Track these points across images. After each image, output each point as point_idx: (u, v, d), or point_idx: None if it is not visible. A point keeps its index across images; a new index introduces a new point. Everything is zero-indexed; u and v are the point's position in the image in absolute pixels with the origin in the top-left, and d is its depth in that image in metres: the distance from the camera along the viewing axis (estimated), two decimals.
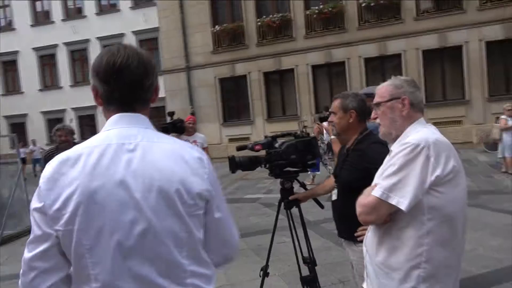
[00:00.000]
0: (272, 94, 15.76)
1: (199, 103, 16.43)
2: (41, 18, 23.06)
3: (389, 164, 1.49)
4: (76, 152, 1.07)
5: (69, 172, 1.03)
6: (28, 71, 23.16)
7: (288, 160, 2.70)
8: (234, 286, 3.88)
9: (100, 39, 21.73)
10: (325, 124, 3.89)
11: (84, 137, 22.03)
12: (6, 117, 23.43)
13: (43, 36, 22.48)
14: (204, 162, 1.13)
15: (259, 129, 15.23)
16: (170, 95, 16.82)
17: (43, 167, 1.21)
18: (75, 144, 1.58)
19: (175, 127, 5.04)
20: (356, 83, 14.18)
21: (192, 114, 14.15)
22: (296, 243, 2.79)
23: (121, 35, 21.38)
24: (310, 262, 2.83)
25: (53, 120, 22.90)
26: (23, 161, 12.78)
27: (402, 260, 1.48)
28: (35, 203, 1.06)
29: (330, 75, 15.08)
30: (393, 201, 1.42)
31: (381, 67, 14.40)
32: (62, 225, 1.02)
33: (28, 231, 1.35)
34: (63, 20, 22.43)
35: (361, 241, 2.17)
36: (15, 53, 23.32)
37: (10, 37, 23.15)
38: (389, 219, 1.50)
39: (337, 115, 2.28)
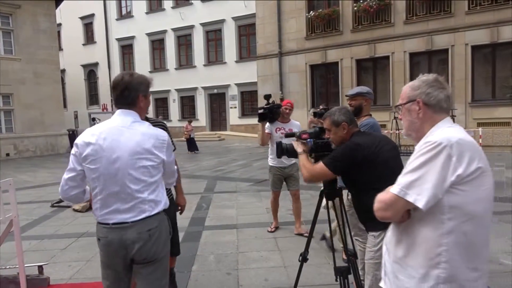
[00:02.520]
0: (364, 82, 15.16)
1: (288, 88, 16.61)
2: (155, 5, 25.34)
3: (409, 162, 1.48)
4: (99, 128, 2.04)
5: (94, 139, 1.99)
6: (141, 55, 25.82)
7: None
8: (287, 268, 4.05)
9: (203, 25, 23.13)
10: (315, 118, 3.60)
11: (184, 116, 23.98)
12: None
13: (155, 23, 24.77)
14: (166, 139, 2.09)
15: None
16: (261, 80, 17.30)
17: None
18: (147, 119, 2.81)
19: (272, 113, 5.04)
20: (460, 73, 12.91)
21: (282, 99, 14.25)
22: (337, 235, 2.85)
23: (222, 21, 22.44)
24: (350, 253, 2.87)
25: (160, 99, 25.27)
26: None
27: (420, 259, 1.48)
28: (73, 152, 2.02)
29: (430, 63, 13.94)
30: (411, 198, 1.41)
31: (491, 55, 12.85)
32: (86, 163, 1.98)
33: None
34: (172, 7, 24.35)
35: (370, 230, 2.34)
36: (132, 38, 26.15)
37: (129, 24, 26.05)
38: (407, 217, 1.51)
39: (332, 131, 2.52)
